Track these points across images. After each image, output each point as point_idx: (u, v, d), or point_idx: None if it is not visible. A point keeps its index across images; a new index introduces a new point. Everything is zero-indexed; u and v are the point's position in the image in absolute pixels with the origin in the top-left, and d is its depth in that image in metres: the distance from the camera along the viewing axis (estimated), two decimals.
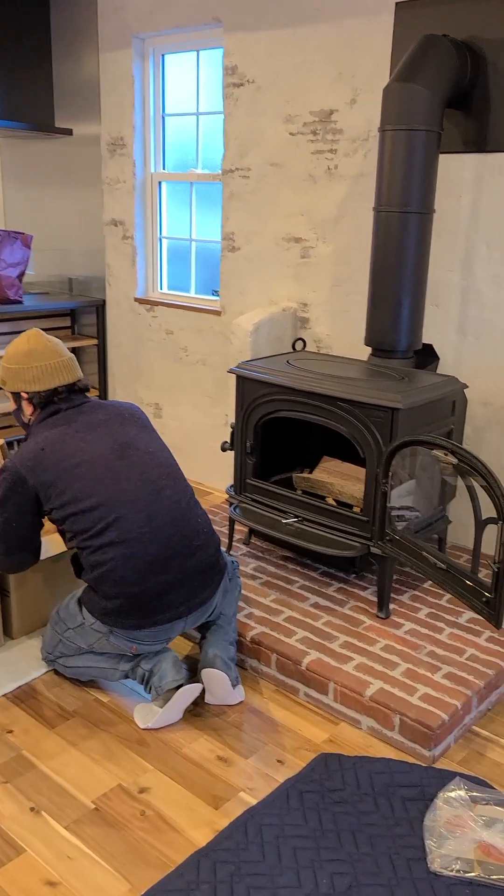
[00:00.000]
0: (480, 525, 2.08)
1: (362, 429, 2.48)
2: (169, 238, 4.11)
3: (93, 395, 4.43)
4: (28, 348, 2.26)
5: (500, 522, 1.97)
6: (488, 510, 2.87)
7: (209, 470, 4.03)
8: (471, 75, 2.73)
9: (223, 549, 2.38)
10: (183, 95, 3.86)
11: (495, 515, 2.00)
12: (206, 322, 3.86)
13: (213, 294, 3.98)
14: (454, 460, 2.11)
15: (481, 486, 2.03)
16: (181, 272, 4.14)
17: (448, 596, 2.70)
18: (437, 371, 2.99)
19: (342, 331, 3.34)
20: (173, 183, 4.00)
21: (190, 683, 2.21)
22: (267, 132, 3.40)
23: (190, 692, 2.17)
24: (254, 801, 1.93)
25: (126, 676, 2.27)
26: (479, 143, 2.80)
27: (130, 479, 2.15)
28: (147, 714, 2.21)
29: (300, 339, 3.20)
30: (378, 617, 2.55)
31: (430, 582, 2.80)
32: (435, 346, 3.02)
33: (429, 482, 2.68)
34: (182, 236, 4.05)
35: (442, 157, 2.90)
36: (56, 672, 2.41)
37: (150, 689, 2.21)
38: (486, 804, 1.87)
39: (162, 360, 4.13)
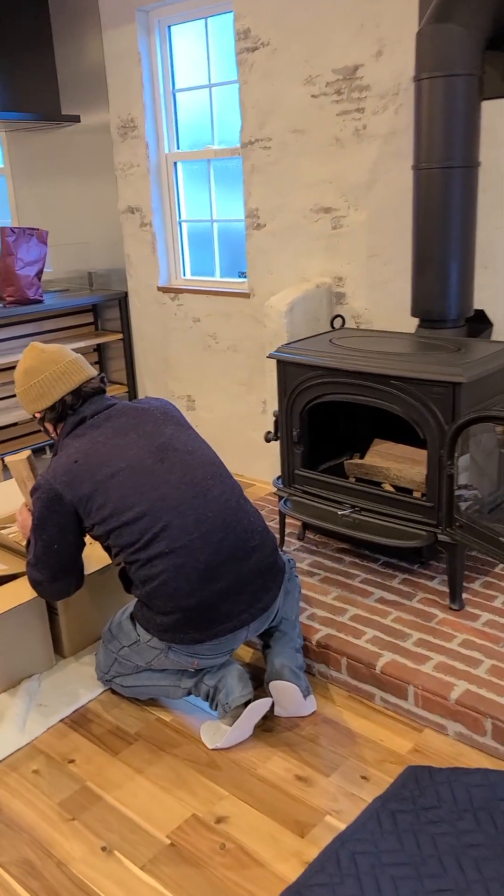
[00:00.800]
0: None
1: (420, 408, 2.28)
2: (189, 221, 3.92)
3: (120, 391, 4.26)
4: (24, 367, 2.13)
5: None
6: None
7: (249, 461, 3.85)
8: None
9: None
10: (193, 68, 3.65)
11: None
12: (235, 306, 3.67)
13: (239, 276, 3.78)
14: None
15: None
16: (204, 256, 3.94)
17: None
18: (492, 339, 2.77)
19: (382, 304, 3.13)
20: (189, 163, 3.80)
21: (258, 698, 2.04)
22: (286, 97, 3.18)
23: (259, 707, 2.01)
24: (342, 826, 1.77)
25: (189, 693, 2.12)
26: None
27: (172, 483, 1.99)
28: (215, 733, 2.05)
29: (339, 315, 2.99)
30: (451, 609, 2.37)
31: (502, 566, 2.60)
32: (487, 312, 2.80)
33: (491, 459, 2.48)
34: (203, 218, 3.85)
35: (483, 104, 2.66)
36: (113, 691, 2.26)
37: (217, 706, 2.05)
38: None
39: (190, 350, 3.95)
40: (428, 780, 1.85)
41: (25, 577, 2.35)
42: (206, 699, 2.09)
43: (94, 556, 2.47)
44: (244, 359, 3.72)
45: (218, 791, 1.89)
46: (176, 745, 2.05)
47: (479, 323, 2.72)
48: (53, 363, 2.10)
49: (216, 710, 2.06)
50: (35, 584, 2.14)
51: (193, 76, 3.66)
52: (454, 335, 2.62)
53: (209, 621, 1.97)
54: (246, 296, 3.60)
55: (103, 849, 1.75)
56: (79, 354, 2.18)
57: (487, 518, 2.29)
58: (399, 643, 2.22)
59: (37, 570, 2.11)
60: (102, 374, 2.20)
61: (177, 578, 1.94)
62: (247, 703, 2.02)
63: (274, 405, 3.18)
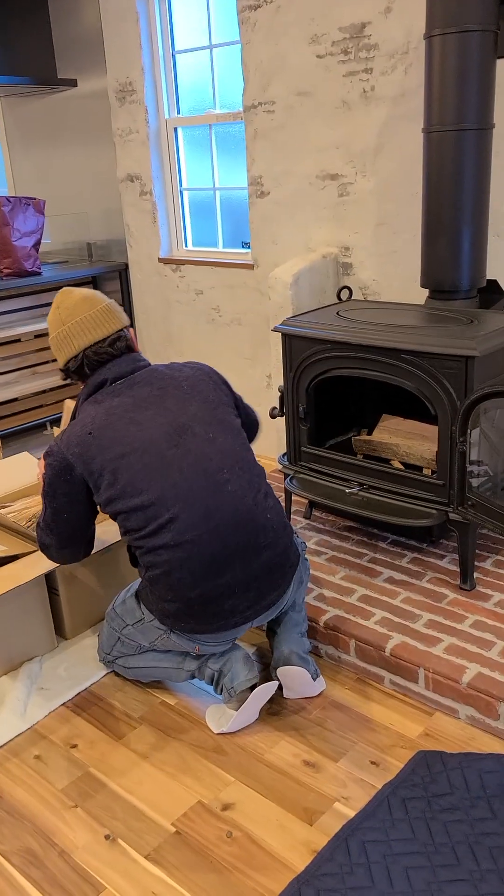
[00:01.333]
0: None
1: (432, 382, 2.20)
2: (190, 189, 3.80)
3: None
4: (49, 315, 2.02)
5: None
6: None
7: None
8: None
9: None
10: (193, 29, 3.51)
11: None
12: (239, 278, 3.57)
13: (243, 246, 3.68)
14: None
15: None
16: (206, 226, 3.83)
17: None
18: None
19: (391, 274, 3.03)
20: (190, 129, 3.68)
21: (264, 682, 1.99)
22: (291, 57, 3.05)
23: (265, 691, 1.96)
24: (351, 813, 1.72)
25: (193, 677, 2.07)
26: None
27: (184, 471, 1.87)
28: (221, 717, 2.00)
29: (346, 287, 2.90)
30: (462, 589, 2.31)
31: None
32: (500, 282, 2.70)
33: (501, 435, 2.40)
34: (205, 186, 3.74)
35: (498, 63, 2.54)
36: (116, 674, 2.22)
37: (222, 690, 2.00)
38: None
39: (193, 323, 3.85)
40: (440, 765, 1.80)
41: (25, 558, 2.29)
42: (211, 682, 2.04)
43: (100, 537, 2.40)
44: (248, 332, 3.63)
45: (224, 777, 1.85)
46: (181, 730, 2.01)
47: (492, 293, 2.63)
48: (76, 312, 1.95)
49: (221, 693, 2.01)
50: (44, 548, 2.08)
51: (194, 37, 3.52)
52: (466, 306, 2.53)
53: (212, 615, 1.91)
54: (250, 267, 3.50)
55: (107, 837, 1.71)
56: (111, 302, 2.01)
57: (500, 496, 2.22)
58: (409, 625, 2.17)
59: (46, 535, 2.04)
60: (118, 332, 1.98)
61: (181, 570, 1.87)
62: (252, 687, 1.97)
63: (279, 380, 3.10)
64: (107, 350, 1.95)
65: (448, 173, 2.40)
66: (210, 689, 2.13)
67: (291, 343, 2.54)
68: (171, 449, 1.88)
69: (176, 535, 1.85)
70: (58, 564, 2.21)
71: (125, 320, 2.01)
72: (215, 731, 1.98)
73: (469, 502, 2.19)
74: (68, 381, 2.11)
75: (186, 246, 3.90)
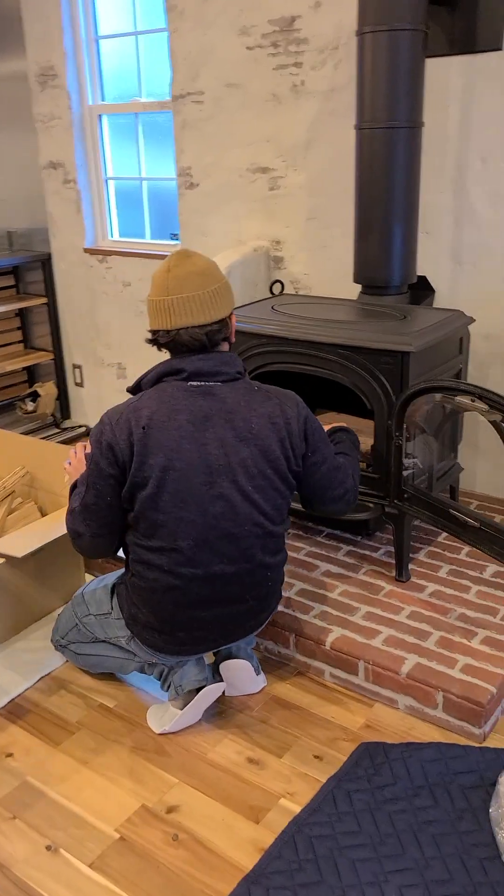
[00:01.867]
0: None
1: (368, 378, 2.22)
2: (116, 179, 3.72)
3: (46, 358, 4.05)
4: (158, 276, 1.79)
5: None
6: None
7: None
8: None
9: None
10: (117, 14, 3.43)
11: None
12: None
13: (171, 238, 3.63)
14: (484, 406, 1.87)
15: None
16: (133, 217, 3.76)
17: (467, 549, 2.51)
18: (434, 305, 2.73)
19: (322, 268, 3.05)
20: (116, 116, 3.60)
21: (214, 679, 1.98)
22: (220, 48, 3.02)
23: (212, 692, 1.94)
24: (297, 809, 1.73)
25: (142, 670, 2.03)
26: (466, 43, 2.49)
27: (207, 516, 1.76)
28: (163, 716, 1.97)
29: (278, 281, 2.90)
30: (397, 581, 2.35)
31: (445, 535, 2.59)
32: (428, 278, 2.75)
33: (436, 428, 2.45)
34: (131, 175, 3.66)
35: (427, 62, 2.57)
36: (52, 678, 2.15)
37: (169, 686, 1.97)
38: None
39: (121, 315, 3.78)
40: (382, 756, 1.83)
41: None
42: (159, 678, 2.01)
43: (35, 533, 2.33)
44: None
45: (168, 779, 1.82)
46: (121, 733, 1.97)
47: (422, 289, 2.68)
48: (186, 287, 1.74)
49: (167, 690, 1.98)
50: (76, 537, 1.87)
51: (118, 22, 3.44)
52: (397, 302, 2.56)
53: (177, 640, 1.88)
54: None
55: (48, 848, 1.66)
56: (225, 283, 1.80)
57: (434, 489, 2.26)
58: (347, 617, 2.19)
59: (81, 522, 1.84)
60: (221, 321, 1.80)
61: (164, 595, 1.82)
62: (200, 689, 1.94)
63: None
64: (201, 338, 1.77)
65: (379, 170, 2.43)
66: (152, 686, 2.10)
67: None
68: (205, 486, 1.76)
69: (172, 564, 1.79)
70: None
71: (232, 305, 1.84)
72: (157, 731, 1.95)
73: (405, 495, 2.22)
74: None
75: (112, 236, 3.82)
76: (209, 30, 3.02)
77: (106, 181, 3.73)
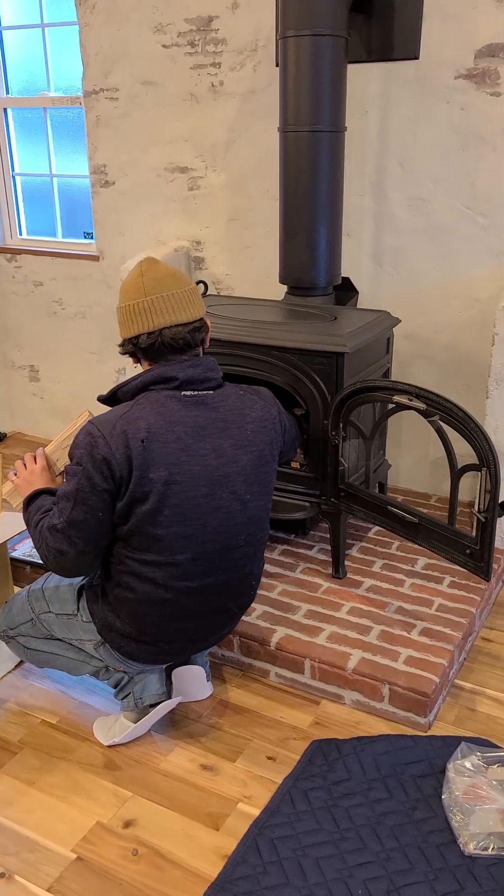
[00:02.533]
0: (457, 473, 1.92)
1: (303, 378, 2.24)
2: (24, 175, 3.60)
3: None
4: (130, 284, 1.74)
5: (484, 469, 1.82)
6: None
7: None
8: None
9: None
10: (21, 4, 3.31)
11: (476, 462, 1.85)
12: (83, 269, 3.43)
13: (85, 237, 3.54)
14: (422, 405, 1.92)
15: (457, 430, 1.86)
16: (41, 215, 3.65)
17: (397, 543, 2.58)
18: (358, 306, 2.79)
19: (244, 269, 3.05)
20: (22, 110, 3.47)
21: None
22: (134, 45, 2.97)
23: (167, 707, 1.91)
24: (256, 812, 1.73)
25: (96, 674, 1.96)
26: (384, 51, 2.56)
27: (206, 528, 1.73)
28: (112, 728, 1.93)
29: (201, 281, 2.87)
30: (334, 578, 2.38)
31: (375, 530, 2.66)
32: (352, 279, 2.81)
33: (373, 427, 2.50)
34: (40, 172, 3.55)
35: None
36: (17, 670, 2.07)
37: (126, 697, 1.92)
38: (498, 766, 1.77)
39: (32, 316, 3.66)
40: (335, 753, 1.85)
41: None
42: (115, 686, 1.95)
43: None
44: (95, 326, 3.50)
45: (121, 793, 1.78)
46: (67, 749, 1.91)
47: (346, 290, 2.72)
48: (164, 286, 1.71)
49: (123, 699, 1.93)
50: (58, 555, 1.73)
51: (22, 13, 3.32)
52: (323, 303, 2.60)
53: (159, 651, 1.85)
54: (95, 258, 3.38)
55: (1, 875, 1.59)
56: (186, 288, 1.75)
57: (369, 486, 2.31)
58: (290, 616, 2.20)
59: (64, 540, 1.71)
60: (201, 321, 1.77)
61: (152, 607, 1.77)
62: (155, 704, 1.91)
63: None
64: (185, 337, 1.72)
65: (304, 173, 2.45)
66: (98, 698, 2.04)
67: None
68: (205, 498, 1.72)
69: (166, 578, 1.74)
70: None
71: (204, 308, 1.80)
72: (106, 744, 1.91)
73: (342, 493, 2.26)
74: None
75: (21, 234, 3.69)
76: (123, 25, 2.97)
77: (13, 177, 3.59)
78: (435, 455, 2.88)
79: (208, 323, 1.82)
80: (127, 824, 1.70)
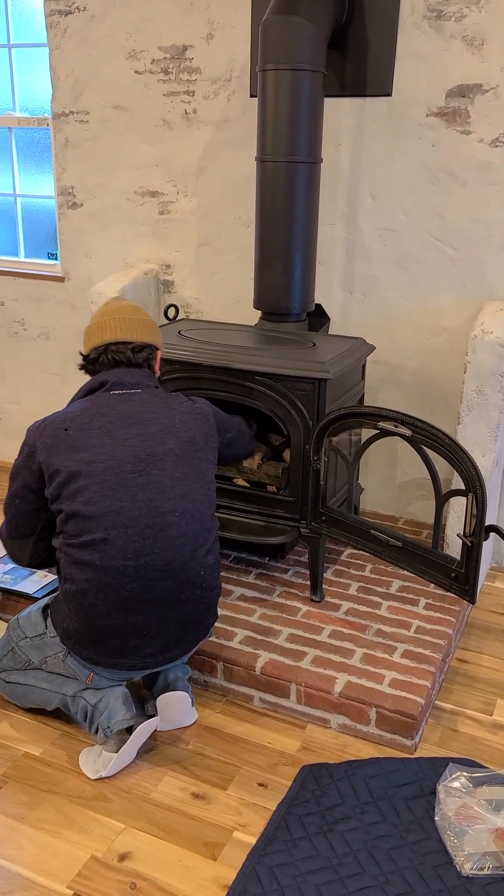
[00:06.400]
0: (442, 498, 1.97)
1: (285, 404, 2.27)
2: None
3: None
4: (95, 312, 2.11)
5: (470, 494, 1.87)
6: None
7: None
8: (348, 11, 2.54)
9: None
10: None
11: (462, 487, 1.90)
12: (47, 290, 3.40)
13: (49, 257, 3.51)
14: (407, 432, 1.97)
15: (443, 457, 1.92)
16: (4, 234, 3.60)
17: (371, 566, 2.62)
18: (330, 332, 2.84)
19: (213, 294, 3.07)
20: None
21: (142, 716, 1.92)
22: (106, 70, 2.98)
23: (146, 730, 1.89)
24: (252, 840, 1.72)
25: (66, 707, 1.95)
26: (357, 87, 2.63)
27: (136, 501, 1.81)
28: (96, 761, 1.89)
29: (172, 305, 2.88)
30: (312, 601, 2.40)
31: (348, 553, 2.69)
32: (322, 306, 2.86)
33: (355, 453, 2.55)
34: (3, 192, 3.51)
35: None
36: None
37: (96, 729, 1.89)
38: (486, 786, 1.81)
39: None
40: (327, 777, 1.86)
41: None
42: (84, 720, 1.92)
43: None
44: (57, 347, 3.46)
45: (113, 825, 1.75)
46: (54, 782, 1.87)
47: (318, 316, 2.77)
48: (120, 312, 2.00)
49: (95, 733, 1.90)
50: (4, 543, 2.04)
51: None
52: (297, 328, 2.64)
53: (113, 649, 1.84)
54: (59, 279, 3.35)
55: None
56: (156, 325, 2.07)
57: (351, 511, 2.34)
58: (272, 641, 2.21)
59: (4, 519, 2.00)
60: (147, 345, 2.02)
61: (96, 595, 1.79)
62: (130, 729, 1.88)
63: None
64: (126, 354, 1.97)
65: (280, 202, 2.50)
66: (78, 730, 2.01)
67: None
68: (133, 474, 1.83)
69: (103, 558, 1.79)
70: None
71: (158, 343, 2.06)
72: (92, 777, 1.87)
73: (323, 518, 2.29)
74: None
75: None
76: (94, 50, 2.97)
77: None
78: (402, 478, 2.94)
79: (158, 353, 2.07)
80: (122, 857, 1.67)
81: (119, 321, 1.98)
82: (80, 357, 2.05)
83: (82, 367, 2.05)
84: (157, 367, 2.08)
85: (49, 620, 1.96)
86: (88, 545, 1.80)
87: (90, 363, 2.02)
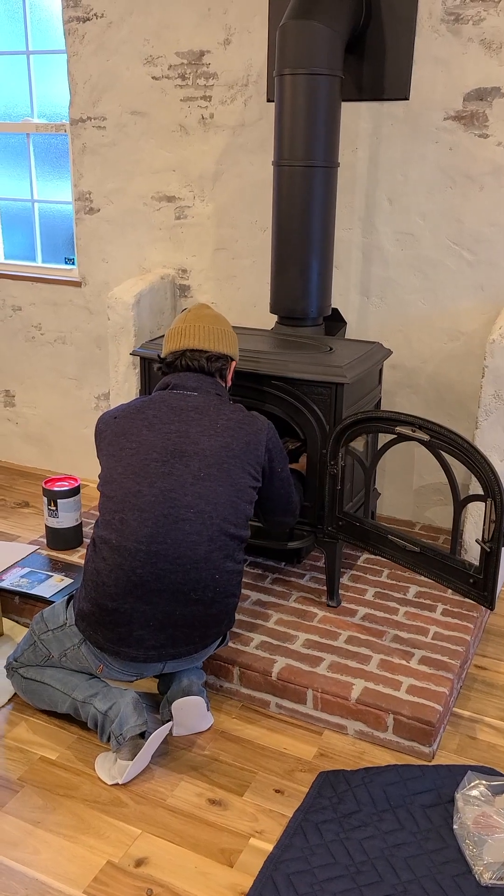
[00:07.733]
0: (460, 504, 1.96)
1: (301, 409, 2.26)
2: (3, 200, 3.57)
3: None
4: (179, 316, 2.14)
5: (489, 499, 1.86)
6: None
7: (80, 460, 3.62)
8: (365, 15, 2.54)
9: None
10: (4, 30, 3.31)
11: (481, 492, 1.89)
12: (64, 295, 3.41)
13: (66, 262, 3.52)
14: (425, 436, 1.96)
15: (462, 462, 1.90)
16: (20, 239, 3.62)
17: (388, 571, 2.60)
18: (346, 336, 2.83)
19: (229, 298, 3.08)
20: (4, 135, 3.46)
21: (154, 722, 1.92)
22: (124, 76, 2.99)
23: (159, 735, 1.88)
24: (268, 847, 1.71)
25: (76, 712, 1.95)
26: (375, 91, 2.63)
27: (154, 488, 1.87)
28: (112, 768, 1.89)
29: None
30: (329, 606, 2.39)
31: (364, 558, 2.68)
32: (339, 310, 2.85)
33: (373, 457, 2.54)
34: (20, 197, 3.53)
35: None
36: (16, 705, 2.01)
37: (108, 737, 1.89)
38: None
39: (9, 341, 3.62)
40: (344, 784, 1.85)
41: None
42: (95, 727, 1.92)
43: None
44: (74, 351, 3.48)
45: (130, 831, 1.75)
46: (70, 786, 1.86)
47: (335, 321, 2.77)
48: (201, 320, 2.07)
49: (107, 741, 1.90)
50: None
51: (8, 38, 3.32)
52: (314, 333, 2.64)
53: (117, 636, 1.87)
54: (77, 284, 3.37)
55: None
56: (236, 336, 2.12)
57: (368, 515, 2.33)
58: (288, 646, 2.20)
59: None
60: (223, 356, 2.07)
61: (109, 574, 1.86)
62: (143, 734, 1.88)
63: (118, 401, 3.01)
64: (200, 361, 2.03)
65: (298, 207, 2.50)
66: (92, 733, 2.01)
67: (151, 367, 2.48)
68: (157, 463, 1.89)
69: (120, 538, 1.86)
70: None
71: (235, 354, 2.11)
72: (108, 783, 1.87)
73: (340, 523, 2.28)
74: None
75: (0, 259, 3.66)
76: (112, 56, 2.99)
77: None
78: (419, 483, 2.93)
79: (233, 363, 2.12)
80: (139, 863, 1.67)
81: (199, 329, 2.04)
82: (160, 359, 2.13)
83: (159, 369, 2.13)
84: (229, 377, 2.13)
85: (69, 609, 2.01)
86: (109, 524, 1.88)
87: (166, 366, 2.09)
